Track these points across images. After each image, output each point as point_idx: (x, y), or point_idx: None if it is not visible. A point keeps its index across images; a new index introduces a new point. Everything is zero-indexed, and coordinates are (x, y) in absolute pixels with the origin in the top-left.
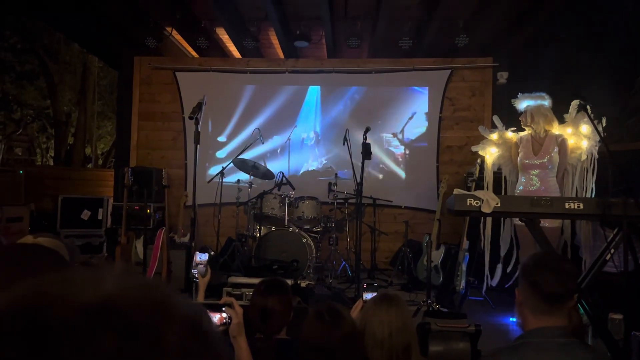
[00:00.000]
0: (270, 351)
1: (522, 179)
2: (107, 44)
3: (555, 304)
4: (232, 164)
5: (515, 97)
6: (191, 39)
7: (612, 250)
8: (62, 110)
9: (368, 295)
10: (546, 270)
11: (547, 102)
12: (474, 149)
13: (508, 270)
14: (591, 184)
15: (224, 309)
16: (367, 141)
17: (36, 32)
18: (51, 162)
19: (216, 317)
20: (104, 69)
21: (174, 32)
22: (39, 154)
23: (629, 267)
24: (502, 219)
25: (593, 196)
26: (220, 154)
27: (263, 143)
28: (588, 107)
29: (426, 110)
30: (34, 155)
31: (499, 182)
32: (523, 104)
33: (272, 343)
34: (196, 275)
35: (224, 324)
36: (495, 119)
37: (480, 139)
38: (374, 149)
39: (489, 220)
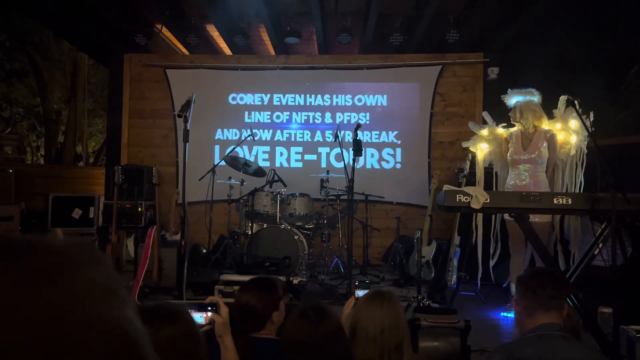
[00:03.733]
0: (242, 349)
1: (511, 174)
2: (96, 41)
3: (550, 303)
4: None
5: (506, 92)
6: (181, 36)
7: (601, 245)
8: (52, 108)
9: (360, 292)
10: (541, 276)
11: (536, 98)
12: (464, 144)
13: (492, 264)
14: (580, 178)
15: (209, 308)
16: (358, 138)
17: (25, 29)
18: (42, 161)
19: (202, 317)
20: (94, 67)
21: (164, 29)
22: (29, 152)
23: (617, 261)
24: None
25: (582, 191)
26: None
27: (255, 140)
28: (576, 102)
29: (418, 106)
30: (24, 154)
31: (490, 178)
32: (513, 99)
33: (245, 341)
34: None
35: (210, 323)
36: (485, 115)
37: (471, 135)
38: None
39: (480, 215)
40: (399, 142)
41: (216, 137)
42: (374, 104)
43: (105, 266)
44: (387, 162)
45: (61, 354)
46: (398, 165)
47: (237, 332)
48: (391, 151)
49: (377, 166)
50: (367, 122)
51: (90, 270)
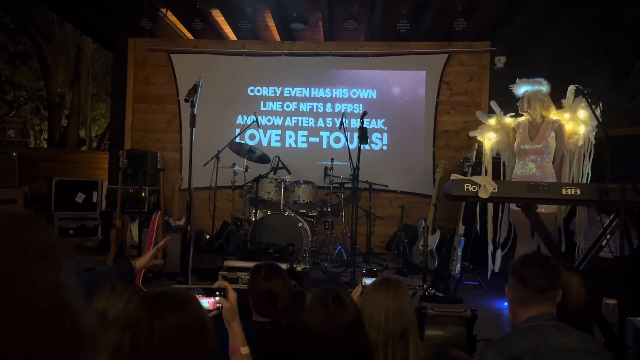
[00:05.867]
0: (279, 336)
1: (518, 164)
2: (101, 25)
3: (542, 295)
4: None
5: (513, 81)
6: (186, 21)
7: (609, 236)
8: (56, 92)
9: (368, 281)
10: (532, 266)
11: (544, 88)
12: (472, 134)
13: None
14: (588, 169)
15: (217, 293)
16: (365, 126)
17: (29, 12)
18: (45, 144)
19: (209, 302)
20: (98, 50)
21: (169, 14)
22: (33, 135)
23: (624, 252)
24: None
25: (589, 181)
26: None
27: (259, 126)
28: (586, 91)
29: (423, 94)
30: (27, 137)
31: (498, 168)
32: (521, 89)
33: (280, 328)
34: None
35: (218, 308)
36: (493, 104)
37: (477, 124)
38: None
39: (490, 205)
40: (386, 128)
41: (237, 122)
42: (366, 97)
43: (42, 233)
44: (376, 144)
45: None
46: (385, 147)
47: (271, 319)
48: (379, 135)
49: (367, 147)
50: (360, 111)
51: (22, 237)
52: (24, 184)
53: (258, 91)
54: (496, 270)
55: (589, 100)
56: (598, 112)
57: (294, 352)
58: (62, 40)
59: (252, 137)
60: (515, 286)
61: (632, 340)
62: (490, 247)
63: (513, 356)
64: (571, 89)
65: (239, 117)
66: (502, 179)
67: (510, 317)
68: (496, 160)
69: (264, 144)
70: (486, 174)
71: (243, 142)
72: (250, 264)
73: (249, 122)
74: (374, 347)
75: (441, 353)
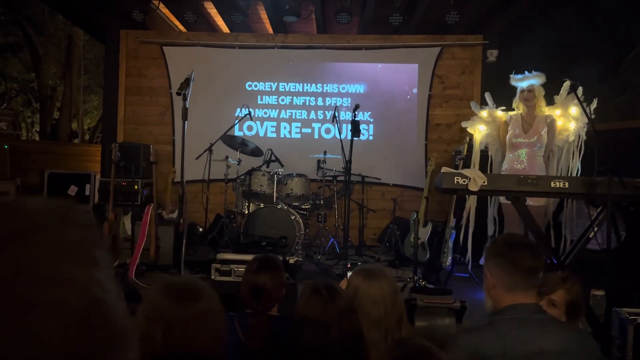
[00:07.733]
0: (263, 327)
1: (509, 157)
2: (92, 16)
3: (532, 277)
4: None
5: (505, 75)
6: (179, 13)
7: (596, 228)
8: (47, 84)
9: None
10: (519, 247)
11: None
12: (464, 124)
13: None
14: (577, 164)
15: None
16: (357, 119)
17: (20, 2)
18: (36, 137)
19: None
20: (90, 42)
21: (161, 6)
22: (24, 128)
23: (611, 244)
24: (488, 197)
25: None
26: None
27: (252, 119)
28: (579, 88)
29: (415, 87)
30: (19, 130)
31: (485, 161)
32: (527, 82)
33: (264, 319)
34: None
35: None
36: (487, 96)
37: (469, 117)
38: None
39: (472, 198)
40: (372, 120)
41: (235, 115)
42: (354, 91)
43: (81, 228)
44: (363, 134)
45: (18, 312)
46: (370, 137)
47: (255, 312)
48: (365, 126)
49: (354, 137)
50: (349, 105)
51: (61, 231)
52: (16, 176)
53: (255, 86)
54: (481, 262)
55: (581, 97)
56: (594, 105)
57: (292, 343)
58: (53, 31)
59: (249, 128)
60: (505, 270)
61: (617, 331)
62: (469, 242)
63: (484, 357)
64: (566, 85)
65: (237, 110)
66: (489, 172)
67: (490, 304)
68: (484, 153)
69: (261, 134)
70: (474, 167)
71: (241, 133)
72: (243, 257)
73: (243, 114)
74: (370, 334)
75: (404, 342)
